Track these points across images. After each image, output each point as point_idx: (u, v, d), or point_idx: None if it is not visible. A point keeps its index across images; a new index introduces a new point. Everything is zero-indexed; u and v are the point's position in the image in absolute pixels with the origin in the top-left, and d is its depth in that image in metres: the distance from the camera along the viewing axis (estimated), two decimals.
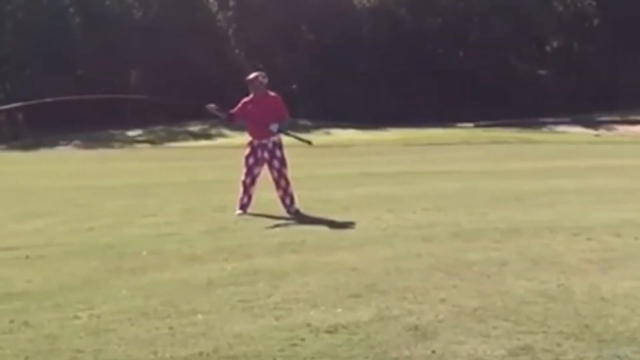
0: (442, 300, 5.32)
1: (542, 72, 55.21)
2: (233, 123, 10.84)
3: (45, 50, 48.09)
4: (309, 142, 10.71)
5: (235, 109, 10.69)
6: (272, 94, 10.52)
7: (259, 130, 10.38)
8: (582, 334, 4.52)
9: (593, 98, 47.72)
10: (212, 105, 10.75)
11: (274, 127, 10.28)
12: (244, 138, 11.10)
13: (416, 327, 4.68)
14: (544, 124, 44.69)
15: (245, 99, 10.61)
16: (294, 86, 43.90)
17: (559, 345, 4.32)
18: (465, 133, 39.79)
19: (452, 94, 49.44)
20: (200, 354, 4.31)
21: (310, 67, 50.63)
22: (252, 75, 10.68)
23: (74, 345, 4.54)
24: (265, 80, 10.56)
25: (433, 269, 6.42)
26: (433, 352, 4.22)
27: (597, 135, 39.00)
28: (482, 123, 43.72)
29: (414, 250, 7.35)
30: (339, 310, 5.16)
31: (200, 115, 42.63)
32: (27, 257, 7.61)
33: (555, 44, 56.72)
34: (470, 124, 43.85)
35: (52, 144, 41.83)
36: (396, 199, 11.91)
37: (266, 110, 10.32)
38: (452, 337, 4.48)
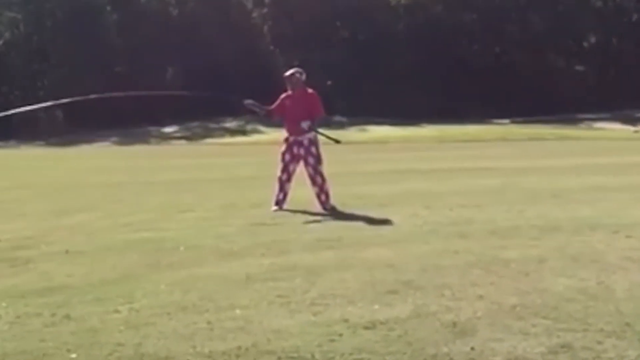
0: (480, 297, 5.30)
1: (580, 67, 54.62)
2: (271, 119, 10.86)
3: (83, 48, 48.63)
4: (338, 141, 10.69)
5: (274, 105, 10.74)
6: (310, 91, 10.53)
7: (295, 126, 10.40)
8: (623, 332, 4.47)
9: (632, 94, 47.06)
10: (250, 101, 10.80)
11: (305, 124, 10.28)
12: (279, 134, 11.13)
13: (454, 324, 4.67)
14: (582, 120, 44.22)
15: (283, 95, 10.64)
16: (329, 83, 43.87)
17: (599, 343, 4.28)
18: (501, 129, 39.50)
19: (488, 91, 49.09)
20: (239, 348, 4.34)
21: (345, 63, 50.57)
22: (289, 72, 10.71)
23: (115, 338, 4.60)
24: (303, 77, 10.57)
25: (470, 265, 6.38)
26: (472, 349, 4.20)
27: (636, 132, 38.48)
28: (518, 119, 43.38)
29: (450, 247, 7.32)
30: (376, 306, 5.16)
31: (236, 111, 42.90)
32: (67, 251, 7.71)
33: (593, 39, 56.07)
34: (507, 121, 43.53)
35: (90, 140, 42.34)
36: (432, 195, 11.87)
37: (302, 107, 10.33)
38: (490, 334, 4.45)
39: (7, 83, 51.18)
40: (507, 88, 49.09)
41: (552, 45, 53.09)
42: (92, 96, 10.80)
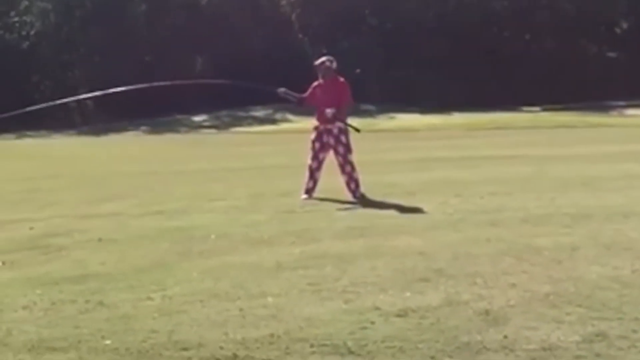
0: (513, 286, 5.26)
1: (612, 54, 53.91)
2: (303, 107, 10.83)
3: (112, 37, 48.94)
4: (358, 130, 10.57)
5: (306, 93, 10.73)
6: (341, 79, 10.50)
7: (325, 115, 10.39)
8: None
9: None
10: (283, 90, 10.78)
11: (329, 111, 10.26)
12: (308, 123, 11.13)
13: (487, 312, 4.64)
14: (613, 107, 43.67)
15: (315, 84, 10.64)
16: (358, 71, 43.72)
17: (634, 331, 4.24)
18: (531, 117, 39.17)
19: (518, 78, 48.68)
20: (271, 335, 4.35)
21: (374, 51, 50.39)
22: (319, 60, 10.71)
23: (148, 325, 4.64)
24: (333, 65, 10.54)
25: (502, 254, 6.34)
26: (505, 337, 4.18)
27: None
28: (549, 107, 42.96)
29: (482, 235, 7.28)
30: (408, 294, 5.15)
31: (265, 100, 42.96)
32: (100, 239, 7.79)
33: (625, 25, 55.28)
34: (537, 108, 43.14)
35: (120, 129, 42.65)
36: (462, 183, 11.81)
37: (332, 95, 10.31)
38: (524, 322, 4.43)
39: (38, 73, 51.68)
40: (538, 75, 48.62)
41: (583, 32, 52.41)
42: (142, 85, 10.90)
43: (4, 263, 6.70)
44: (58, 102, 10.29)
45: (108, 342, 4.34)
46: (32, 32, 51.75)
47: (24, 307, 5.15)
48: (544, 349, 3.98)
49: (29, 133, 39.84)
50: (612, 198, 9.68)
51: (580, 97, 44.35)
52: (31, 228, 8.74)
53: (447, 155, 18.44)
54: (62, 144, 34.84)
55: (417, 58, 49.78)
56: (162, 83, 10.91)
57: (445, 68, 49.08)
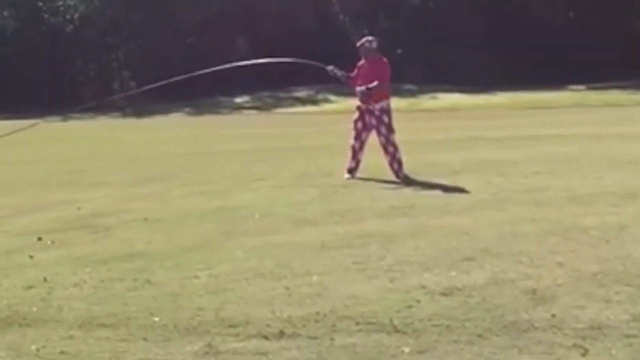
0: (560, 265, 5.21)
1: None
2: (351, 87, 10.73)
3: (155, 20, 49.27)
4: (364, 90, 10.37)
5: (353, 73, 10.70)
6: (383, 60, 10.44)
7: (367, 95, 10.34)
8: None
9: None
10: (332, 67, 10.72)
11: (359, 90, 10.20)
12: (350, 103, 11.09)
13: (534, 291, 4.61)
14: None
15: (359, 64, 10.61)
16: (399, 51, 43.48)
17: None
18: (576, 96, 38.60)
19: (562, 56, 47.93)
20: (317, 314, 4.37)
21: (415, 31, 50.03)
22: (360, 41, 10.69)
23: (195, 303, 4.69)
24: (373, 45, 10.48)
25: (548, 233, 6.28)
26: (553, 316, 4.14)
27: None
28: (594, 85, 42.27)
29: (527, 214, 7.21)
30: (453, 273, 5.13)
31: (307, 81, 42.93)
32: (146, 219, 7.89)
33: None
34: (582, 87, 42.46)
35: (164, 111, 43.01)
36: (506, 162, 11.71)
37: (373, 75, 10.26)
38: (572, 301, 4.39)
39: (83, 55, 52.26)
40: (582, 53, 47.81)
41: (629, 8, 51.38)
42: (224, 66, 11.07)
43: (53, 242, 6.83)
44: (181, 77, 10.51)
45: (156, 319, 4.41)
46: (76, 16, 52.29)
47: (74, 285, 5.25)
48: (592, 328, 3.94)
49: (74, 115, 40.37)
50: None
51: (626, 76, 43.52)
52: (79, 208, 8.88)
53: (490, 134, 18.28)
54: (107, 126, 35.26)
55: (459, 37, 49.29)
56: (240, 63, 11.12)
57: (487, 47, 48.54)
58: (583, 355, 3.63)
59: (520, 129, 20.11)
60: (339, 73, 10.72)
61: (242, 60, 12.09)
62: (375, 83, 10.16)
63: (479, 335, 3.92)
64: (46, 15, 52.10)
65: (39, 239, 6.96)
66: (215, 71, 10.95)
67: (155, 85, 10.86)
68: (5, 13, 50.55)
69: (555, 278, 4.89)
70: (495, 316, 4.18)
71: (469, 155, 13.09)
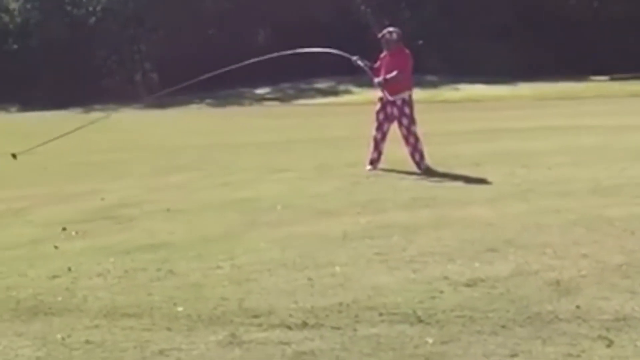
0: (584, 256, 5.18)
1: None
2: (374, 77, 10.64)
3: (177, 12, 49.37)
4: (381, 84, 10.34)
5: (376, 64, 10.66)
6: (405, 51, 10.40)
7: (388, 86, 10.31)
8: None
9: None
10: (355, 58, 10.63)
11: (375, 81, 10.18)
12: (371, 94, 11.05)
13: (558, 282, 4.58)
14: None
15: (382, 55, 10.58)
16: (420, 42, 43.25)
17: None
18: (600, 86, 38.24)
19: (586, 46, 47.48)
20: (340, 304, 4.38)
21: (436, 21, 49.74)
22: (381, 33, 10.66)
23: (219, 293, 4.71)
24: (394, 37, 10.43)
25: (572, 224, 6.25)
26: (577, 307, 4.12)
27: None
28: (618, 76, 41.84)
29: (551, 205, 7.17)
30: (477, 264, 5.11)
31: (327, 72, 42.88)
32: (169, 210, 7.92)
33: None
34: (606, 77, 42.05)
35: (186, 102, 43.12)
36: (529, 154, 11.64)
37: (394, 66, 10.22)
38: (596, 292, 4.36)
39: (105, 47, 52.49)
40: (606, 43, 47.30)
41: None
42: (269, 56, 11.14)
43: (77, 232, 6.88)
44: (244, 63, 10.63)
45: (180, 309, 4.43)
46: (98, 8, 52.53)
47: (98, 275, 5.29)
48: (617, 320, 3.92)
49: (96, 107, 40.59)
50: None
51: None
52: (103, 199, 8.94)
53: (513, 125, 18.17)
54: (130, 117, 35.41)
55: (481, 28, 48.93)
56: (275, 54, 11.20)
57: (509, 37, 48.16)
58: (608, 346, 3.61)
59: (543, 119, 19.97)
60: (362, 63, 10.67)
61: (264, 51, 12.08)
62: (393, 74, 10.13)
63: (503, 326, 3.90)
64: (69, 8, 52.36)
65: (64, 229, 7.02)
66: (234, 62, 10.95)
67: (207, 76, 10.90)
68: (29, 5, 50.89)
69: (580, 269, 4.86)
70: (519, 307, 4.17)
71: (491, 147, 13.03)
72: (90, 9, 52.60)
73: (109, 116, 13.92)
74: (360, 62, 10.64)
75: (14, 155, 9.51)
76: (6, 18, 50.06)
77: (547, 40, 48.16)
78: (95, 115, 38.53)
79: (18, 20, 50.28)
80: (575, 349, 3.58)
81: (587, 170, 9.61)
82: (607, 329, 3.79)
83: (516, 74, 42.65)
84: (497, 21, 48.96)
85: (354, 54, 10.79)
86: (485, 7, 49.46)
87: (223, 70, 11.01)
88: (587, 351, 3.56)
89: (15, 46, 48.05)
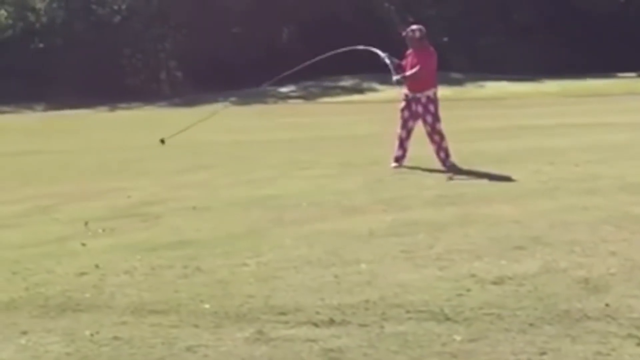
0: (613, 254, 5.14)
1: None
2: (399, 75, 10.57)
3: (201, 10, 49.53)
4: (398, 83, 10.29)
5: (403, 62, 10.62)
6: (429, 49, 10.35)
7: (412, 84, 10.27)
8: None
9: None
10: (385, 55, 10.56)
11: (394, 79, 10.14)
12: (395, 92, 11.00)
13: (586, 280, 4.55)
14: None
15: (407, 53, 10.54)
16: (445, 39, 43.08)
17: None
18: (627, 83, 37.86)
19: (613, 43, 47.02)
20: (367, 301, 4.37)
21: (461, 18, 49.49)
22: (405, 31, 10.62)
23: (245, 290, 4.72)
24: (416, 35, 10.36)
25: (600, 222, 6.19)
26: (607, 305, 4.08)
27: None
28: None
29: (578, 203, 7.12)
30: (504, 262, 5.08)
31: (351, 70, 42.83)
32: (194, 207, 7.95)
33: None
34: (633, 74, 41.64)
35: (210, 100, 43.27)
36: (556, 151, 11.55)
37: (415, 64, 10.17)
38: (625, 290, 4.32)
39: (130, 46, 52.77)
40: (633, 40, 46.84)
41: None
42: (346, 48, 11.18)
43: (104, 230, 6.93)
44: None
45: (207, 306, 4.44)
46: (123, 7, 52.81)
47: (126, 272, 5.32)
48: None
49: (121, 105, 40.84)
50: None
51: None
52: (129, 196, 8.99)
53: (539, 122, 18.04)
54: (154, 115, 35.60)
55: (506, 24, 48.64)
56: (337, 51, 11.21)
57: (535, 33, 47.81)
58: (638, 345, 3.57)
59: (570, 116, 19.80)
60: (389, 61, 10.60)
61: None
62: (412, 71, 10.09)
63: (531, 324, 3.87)
64: (94, 7, 52.67)
65: (85, 224, 7.07)
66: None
67: (307, 64, 11.02)
68: (55, 5, 51.28)
69: (608, 267, 4.82)
70: (547, 305, 4.13)
71: (518, 144, 12.95)
72: (115, 7, 52.89)
73: (226, 107, 14.13)
74: (387, 60, 10.58)
75: (162, 141, 10.90)
76: (32, 17, 50.45)
77: (573, 36, 47.77)
78: (120, 113, 38.81)
79: (44, 19, 50.65)
80: (605, 347, 3.55)
81: (614, 167, 9.52)
82: (637, 327, 3.76)
83: (542, 71, 42.35)
84: (522, 18, 48.64)
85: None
86: (510, 3, 49.17)
87: (316, 59, 11.06)
88: (617, 349, 3.53)
89: (41, 45, 48.42)
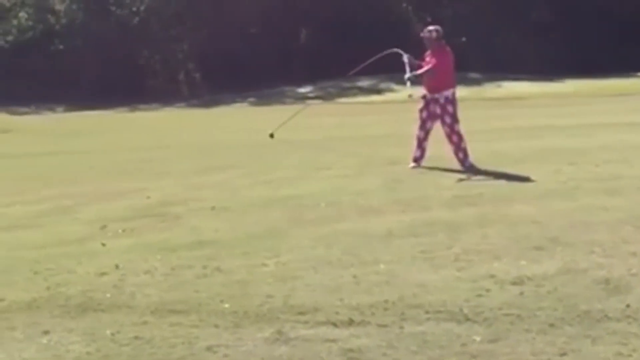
0: (633, 254, 5.11)
1: None
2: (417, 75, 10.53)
3: (219, 11, 49.66)
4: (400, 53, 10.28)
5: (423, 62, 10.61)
6: (446, 49, 10.32)
7: (430, 84, 10.26)
8: None
9: None
10: (406, 56, 10.52)
11: (406, 77, 10.13)
12: (413, 92, 10.94)
13: (607, 281, 4.52)
14: None
15: (426, 53, 10.52)
16: (464, 39, 42.93)
17: None
18: None
19: (633, 41, 46.68)
20: (386, 302, 4.37)
21: (479, 18, 49.30)
22: (423, 32, 10.62)
23: (264, 290, 4.74)
24: (433, 35, 10.33)
25: (621, 222, 6.16)
26: (627, 306, 4.06)
27: None
28: None
29: (598, 203, 7.08)
30: (523, 262, 5.07)
31: (369, 70, 42.87)
32: (213, 208, 7.98)
33: None
34: None
35: (228, 101, 43.39)
36: (576, 151, 11.48)
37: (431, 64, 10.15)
38: None
39: (148, 47, 53.01)
40: None
41: None
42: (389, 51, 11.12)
43: (124, 230, 6.97)
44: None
45: (227, 305, 4.46)
46: (142, 8, 53.04)
47: (146, 272, 5.35)
48: None
49: (140, 106, 41.04)
50: None
51: None
52: (148, 197, 9.03)
53: (558, 122, 17.94)
54: (173, 116, 35.75)
55: (524, 23, 48.40)
56: (377, 56, 11.16)
57: (554, 33, 47.55)
58: None
59: (590, 116, 19.67)
60: (407, 60, 10.58)
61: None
62: (423, 69, 10.09)
63: (551, 325, 3.86)
64: (113, 8, 52.96)
65: (104, 226, 7.11)
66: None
67: (376, 58, 10.94)
68: (74, 6, 51.60)
69: (629, 268, 4.79)
70: (567, 306, 4.12)
71: (537, 144, 12.89)
72: (134, 9, 53.14)
73: (308, 106, 14.26)
74: (405, 59, 10.56)
75: (271, 135, 11.26)
76: (52, 19, 50.82)
77: (593, 35, 47.45)
78: (139, 114, 39.00)
79: (64, 21, 50.98)
80: (626, 348, 3.53)
81: (635, 167, 9.46)
82: None
83: (561, 71, 42.12)
84: (540, 17, 48.43)
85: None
86: (528, 2, 48.94)
87: (381, 54, 10.96)
88: (637, 350, 3.51)
89: (61, 47, 48.75)
